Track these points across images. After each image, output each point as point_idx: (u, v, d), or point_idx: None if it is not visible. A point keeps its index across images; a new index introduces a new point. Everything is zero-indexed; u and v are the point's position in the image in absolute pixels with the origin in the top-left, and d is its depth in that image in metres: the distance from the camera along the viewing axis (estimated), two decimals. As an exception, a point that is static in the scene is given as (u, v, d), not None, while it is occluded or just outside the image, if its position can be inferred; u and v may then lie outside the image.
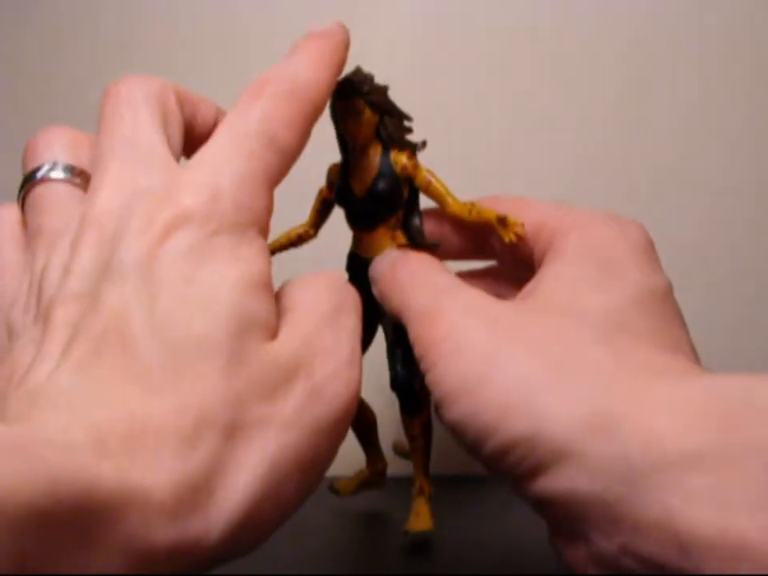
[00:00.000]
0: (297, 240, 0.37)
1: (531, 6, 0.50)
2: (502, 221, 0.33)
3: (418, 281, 0.32)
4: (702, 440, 0.22)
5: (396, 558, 0.34)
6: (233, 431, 0.22)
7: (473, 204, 0.34)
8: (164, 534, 0.20)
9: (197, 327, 0.22)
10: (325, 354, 0.26)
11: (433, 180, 0.35)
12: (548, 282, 0.30)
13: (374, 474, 0.40)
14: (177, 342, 0.22)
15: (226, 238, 0.24)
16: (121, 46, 0.53)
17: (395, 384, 0.35)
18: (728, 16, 0.50)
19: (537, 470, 0.25)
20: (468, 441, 0.27)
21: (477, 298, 0.30)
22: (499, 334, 0.27)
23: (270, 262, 0.26)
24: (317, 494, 0.25)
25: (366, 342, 0.36)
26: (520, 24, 0.50)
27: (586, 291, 0.28)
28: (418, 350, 0.29)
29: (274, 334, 0.25)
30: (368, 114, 0.34)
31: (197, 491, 0.21)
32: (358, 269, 0.35)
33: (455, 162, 0.48)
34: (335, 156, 0.36)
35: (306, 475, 0.24)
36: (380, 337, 0.37)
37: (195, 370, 0.22)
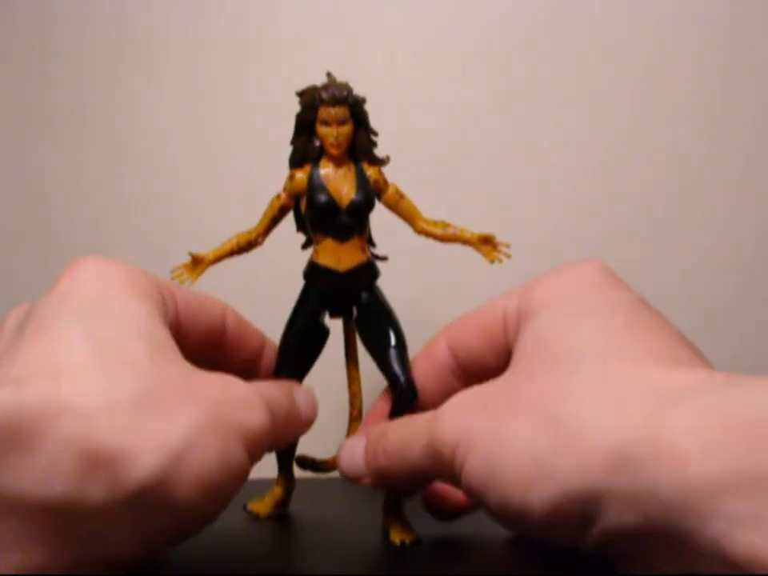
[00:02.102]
0: (246, 247, 0.35)
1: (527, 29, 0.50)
2: (487, 240, 0.34)
3: (409, 436, 0.31)
4: (728, 461, 0.22)
5: (379, 559, 0.33)
6: (161, 381, 0.26)
7: (446, 223, 0.35)
8: (102, 439, 0.24)
9: None
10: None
11: (404, 197, 0.35)
12: (525, 343, 0.30)
13: (286, 493, 0.39)
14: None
15: None
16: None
17: (403, 394, 0.34)
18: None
19: (585, 521, 0.25)
20: (515, 523, 0.28)
21: (463, 396, 0.30)
22: (494, 417, 0.28)
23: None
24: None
25: (317, 350, 0.36)
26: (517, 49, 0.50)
27: (570, 333, 0.28)
28: (445, 478, 0.29)
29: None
30: (350, 123, 0.33)
31: (130, 413, 0.24)
32: (327, 280, 0.34)
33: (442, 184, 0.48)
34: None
35: (223, 449, 0.26)
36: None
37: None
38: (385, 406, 0.35)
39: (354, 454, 0.34)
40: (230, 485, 0.27)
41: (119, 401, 0.25)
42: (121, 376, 0.25)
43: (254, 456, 0.29)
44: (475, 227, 0.35)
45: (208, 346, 0.34)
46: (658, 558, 0.24)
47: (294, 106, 0.34)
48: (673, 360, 0.27)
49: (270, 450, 0.31)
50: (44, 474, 0.23)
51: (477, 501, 0.28)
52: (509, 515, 0.27)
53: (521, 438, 0.26)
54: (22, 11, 0.49)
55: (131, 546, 0.25)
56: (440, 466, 0.29)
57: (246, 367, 0.36)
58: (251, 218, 0.35)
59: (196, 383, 0.27)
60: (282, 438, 0.32)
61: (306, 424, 0.34)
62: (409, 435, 0.31)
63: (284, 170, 0.35)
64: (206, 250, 0.35)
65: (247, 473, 0.28)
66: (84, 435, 0.23)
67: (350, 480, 0.34)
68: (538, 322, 0.30)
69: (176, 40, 0.50)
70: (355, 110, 0.33)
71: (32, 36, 0.49)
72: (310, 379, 0.37)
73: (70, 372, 0.25)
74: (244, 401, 0.28)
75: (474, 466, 0.27)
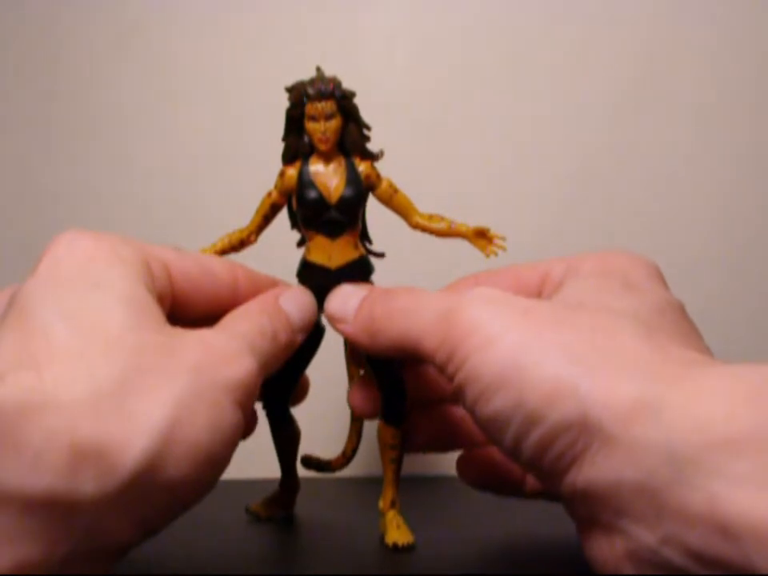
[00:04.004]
0: (238, 245, 0.35)
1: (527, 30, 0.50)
2: (482, 234, 0.33)
3: (420, 301, 0.30)
4: (746, 426, 0.22)
5: (379, 559, 0.33)
6: (140, 357, 0.25)
7: (441, 217, 0.34)
8: (88, 430, 0.23)
9: None
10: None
11: (398, 191, 0.34)
12: (570, 291, 0.30)
13: (289, 495, 0.38)
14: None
15: None
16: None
17: (391, 394, 0.34)
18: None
19: (584, 457, 0.25)
20: (511, 432, 0.26)
21: (496, 291, 0.29)
22: (533, 323, 0.27)
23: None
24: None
25: (312, 349, 0.35)
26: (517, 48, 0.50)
27: (614, 297, 0.29)
28: (440, 358, 0.28)
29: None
30: (338, 117, 0.33)
31: (113, 398, 0.24)
32: (319, 277, 0.34)
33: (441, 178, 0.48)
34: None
35: (211, 415, 0.26)
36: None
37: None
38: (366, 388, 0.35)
39: (349, 299, 0.33)
40: (224, 447, 0.27)
41: (101, 388, 0.24)
42: (101, 359, 0.25)
43: (247, 405, 0.28)
44: (473, 223, 0.34)
45: (219, 308, 0.32)
46: (635, 518, 0.24)
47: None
48: (701, 349, 0.28)
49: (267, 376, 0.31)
50: (31, 470, 0.22)
51: (468, 399, 0.27)
52: (507, 423, 0.26)
53: (563, 346, 0.26)
54: (25, 9, 0.49)
55: (130, 531, 0.25)
56: (440, 343, 0.28)
57: None
58: (245, 216, 0.35)
59: (176, 351, 0.26)
60: (275, 363, 0.31)
61: (300, 330, 0.33)
62: (421, 301, 0.30)
63: (278, 166, 0.35)
64: (200, 247, 0.35)
65: (242, 426, 0.28)
66: (69, 428, 0.23)
67: (331, 321, 0.33)
68: (584, 283, 0.30)
69: (177, 39, 0.49)
70: (343, 104, 0.33)
71: (35, 34, 0.49)
72: (310, 379, 0.37)
73: (50, 362, 0.24)
74: (225, 353, 0.27)
75: (494, 356, 0.26)
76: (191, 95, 0.49)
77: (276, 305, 0.32)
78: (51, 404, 0.23)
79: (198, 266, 0.32)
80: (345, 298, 0.33)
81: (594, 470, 0.25)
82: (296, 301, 0.33)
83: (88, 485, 0.23)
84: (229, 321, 0.30)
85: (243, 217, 0.35)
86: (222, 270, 0.32)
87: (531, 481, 0.35)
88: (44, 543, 0.23)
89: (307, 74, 0.34)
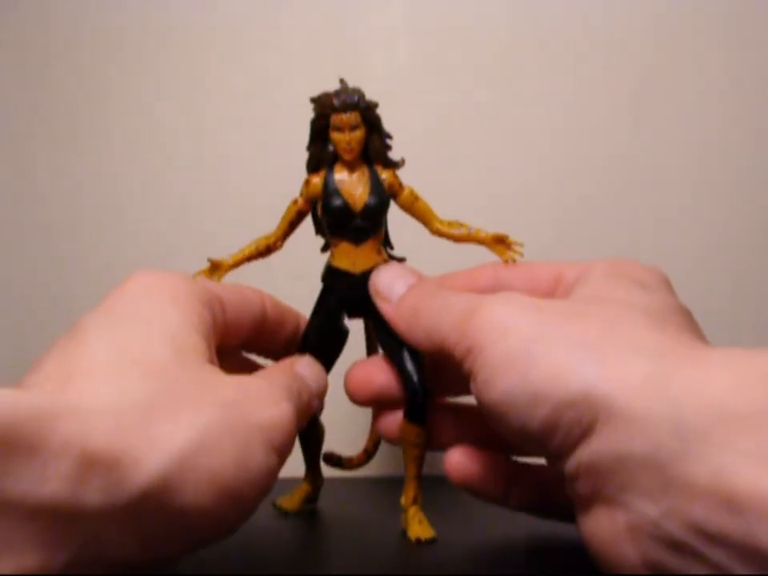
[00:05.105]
0: (265, 251, 0.36)
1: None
2: (501, 240, 0.34)
3: (449, 301, 0.32)
4: (756, 403, 0.22)
5: (402, 553, 0.34)
6: (175, 385, 0.26)
7: (460, 223, 0.35)
8: (102, 439, 0.23)
9: None
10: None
11: (419, 199, 0.35)
12: (584, 289, 0.31)
13: (314, 489, 0.40)
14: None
15: None
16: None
17: (416, 394, 0.34)
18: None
19: (590, 432, 0.25)
20: (516, 413, 0.27)
21: (515, 293, 0.30)
22: (546, 317, 0.28)
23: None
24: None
25: (337, 350, 0.37)
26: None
27: (626, 293, 0.30)
28: (460, 351, 0.29)
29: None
30: (362, 128, 0.34)
31: (137, 415, 0.24)
32: (344, 282, 0.35)
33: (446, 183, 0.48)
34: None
35: (239, 451, 0.26)
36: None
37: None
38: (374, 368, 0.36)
39: (397, 281, 0.34)
40: (251, 488, 0.27)
41: (126, 403, 0.24)
42: (131, 380, 0.25)
43: (283, 449, 0.28)
44: (489, 228, 0.35)
45: (252, 335, 0.34)
46: (639, 491, 0.24)
47: (297, 105, 0.35)
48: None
49: None
50: (37, 476, 0.22)
51: (478, 384, 0.28)
52: (513, 404, 0.27)
53: (573, 334, 0.27)
54: (20, 9, 0.50)
55: (133, 550, 0.25)
56: (460, 339, 0.29)
57: (285, 347, 0.37)
58: (266, 222, 0.36)
59: (212, 387, 0.27)
60: (303, 419, 0.32)
61: (317, 395, 0.34)
62: (450, 301, 0.31)
63: (291, 172, 0.36)
64: (213, 252, 0.36)
65: (274, 472, 0.28)
66: (82, 436, 0.23)
67: (374, 295, 0.34)
68: (596, 282, 0.31)
69: (176, 41, 0.50)
70: (367, 114, 0.34)
71: (30, 36, 0.50)
72: (332, 378, 0.38)
73: (80, 376, 0.25)
74: (262, 396, 0.28)
75: (506, 344, 0.28)
76: (192, 97, 0.50)
77: (294, 369, 0.33)
78: (68, 412, 0.23)
79: (239, 295, 0.34)
80: (393, 279, 0.34)
81: (601, 444, 0.25)
82: (310, 368, 0.34)
83: (94, 495, 0.23)
84: (261, 374, 0.32)
85: (247, 218, 0.36)
86: (253, 297, 0.34)
87: (516, 492, 0.35)
88: (45, 550, 0.23)
89: (307, 73, 0.35)
